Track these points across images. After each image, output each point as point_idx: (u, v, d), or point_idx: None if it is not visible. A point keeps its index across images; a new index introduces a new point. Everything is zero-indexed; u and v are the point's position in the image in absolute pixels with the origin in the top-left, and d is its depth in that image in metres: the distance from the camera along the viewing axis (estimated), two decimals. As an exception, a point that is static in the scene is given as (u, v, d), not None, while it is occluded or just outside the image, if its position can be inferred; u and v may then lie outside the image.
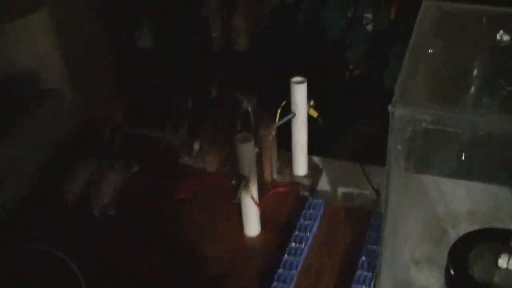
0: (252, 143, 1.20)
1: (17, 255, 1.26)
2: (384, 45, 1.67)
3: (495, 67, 1.03)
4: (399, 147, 0.93)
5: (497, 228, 1.12)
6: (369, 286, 1.16)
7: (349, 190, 1.38)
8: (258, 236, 1.30)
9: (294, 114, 1.32)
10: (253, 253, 1.28)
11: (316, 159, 1.46)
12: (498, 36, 1.01)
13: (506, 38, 1.00)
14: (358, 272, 1.18)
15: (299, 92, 1.31)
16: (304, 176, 1.42)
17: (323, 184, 1.42)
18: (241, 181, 1.21)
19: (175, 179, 1.44)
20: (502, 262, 1.00)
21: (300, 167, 1.42)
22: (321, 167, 1.45)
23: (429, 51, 0.99)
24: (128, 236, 1.32)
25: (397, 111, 0.88)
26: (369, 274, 1.17)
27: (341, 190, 1.38)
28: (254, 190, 1.24)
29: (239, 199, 1.24)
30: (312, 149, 1.42)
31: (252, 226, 1.30)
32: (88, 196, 1.37)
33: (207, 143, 1.43)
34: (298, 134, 1.36)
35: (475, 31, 1.07)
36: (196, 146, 1.44)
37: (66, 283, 1.20)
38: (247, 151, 1.20)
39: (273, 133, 1.35)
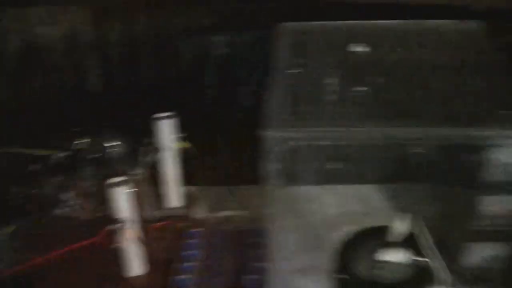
0: (125, 186, 1.19)
1: None
2: (234, 67, 1.71)
3: (354, 77, 1.09)
4: (275, 166, 0.97)
5: (373, 226, 1.19)
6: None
7: (224, 213, 1.41)
8: (144, 275, 1.29)
9: (158, 150, 1.33)
10: (143, 293, 1.27)
11: (189, 188, 1.47)
12: (349, 48, 1.07)
13: (358, 48, 1.07)
14: (249, 291, 1.21)
15: (163, 128, 1.33)
16: (180, 208, 1.43)
17: (200, 212, 1.43)
18: (120, 225, 1.21)
19: (50, 232, 1.39)
20: (381, 255, 1.08)
21: (175, 199, 1.43)
22: (195, 196, 1.46)
23: (292, 71, 1.03)
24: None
25: (269, 134, 0.92)
26: (260, 291, 1.20)
27: (217, 215, 1.40)
28: (134, 230, 1.24)
29: (121, 242, 1.23)
30: (188, 180, 1.44)
31: (137, 265, 1.29)
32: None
33: (77, 192, 1.41)
34: (167, 168, 1.38)
35: (331, 46, 1.13)
36: (67, 196, 1.41)
37: None
38: (121, 195, 1.19)
39: (143, 172, 1.35)
